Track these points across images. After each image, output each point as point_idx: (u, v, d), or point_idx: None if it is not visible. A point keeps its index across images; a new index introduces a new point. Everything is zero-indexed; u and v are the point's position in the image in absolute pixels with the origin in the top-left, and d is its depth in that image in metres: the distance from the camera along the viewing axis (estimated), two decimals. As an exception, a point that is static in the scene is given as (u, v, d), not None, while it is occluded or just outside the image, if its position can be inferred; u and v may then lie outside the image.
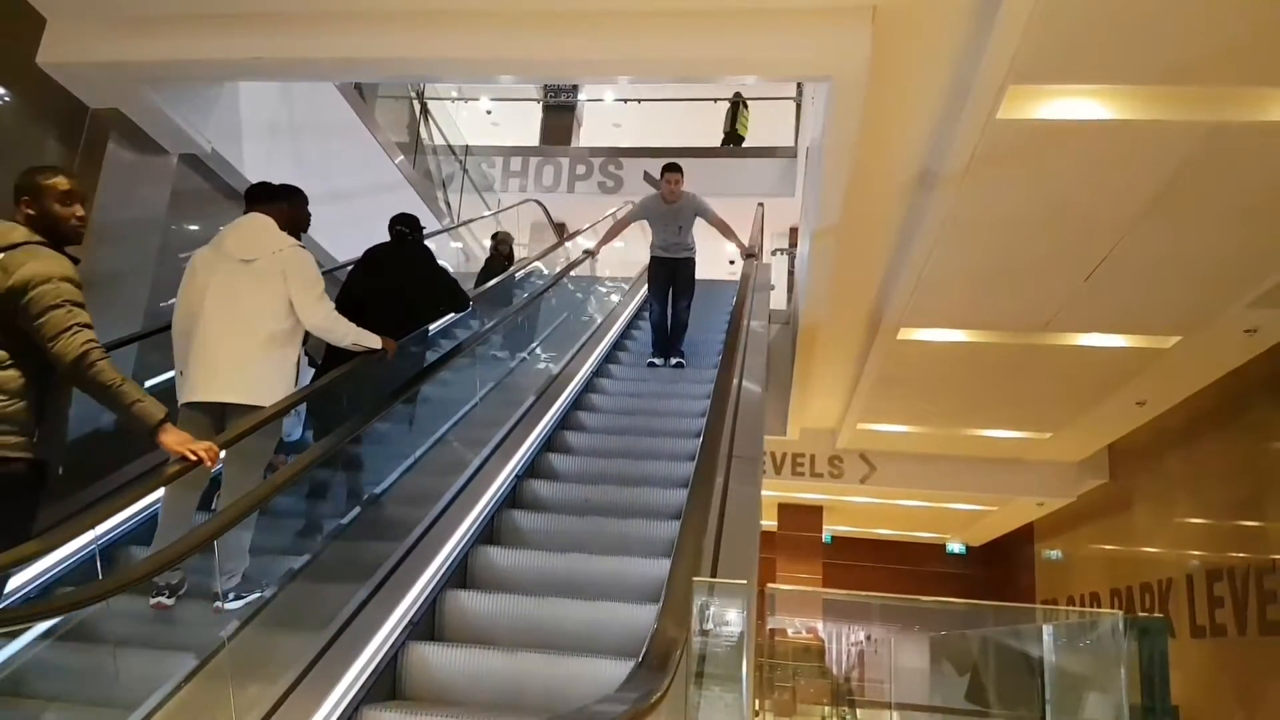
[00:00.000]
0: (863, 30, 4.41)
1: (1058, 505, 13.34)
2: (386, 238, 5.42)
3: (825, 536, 16.13)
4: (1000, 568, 17.45)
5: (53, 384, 3.07)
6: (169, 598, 3.51)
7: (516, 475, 5.30)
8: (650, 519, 4.80)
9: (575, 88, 16.15)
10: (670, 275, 7.99)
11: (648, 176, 13.47)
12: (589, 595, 4.05)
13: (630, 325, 9.42)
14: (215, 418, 3.76)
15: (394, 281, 5.13)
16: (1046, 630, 7.90)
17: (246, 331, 3.86)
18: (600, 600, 3.99)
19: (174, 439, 3.14)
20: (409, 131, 11.50)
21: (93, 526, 3.03)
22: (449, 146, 12.63)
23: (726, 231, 7.88)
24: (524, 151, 15.16)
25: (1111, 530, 11.95)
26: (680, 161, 8.02)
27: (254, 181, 4.53)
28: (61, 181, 3.15)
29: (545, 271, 9.64)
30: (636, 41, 4.75)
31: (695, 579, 2.64)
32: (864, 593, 13.89)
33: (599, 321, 9.03)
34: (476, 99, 16.39)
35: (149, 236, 5.86)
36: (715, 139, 14.59)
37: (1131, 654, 6.57)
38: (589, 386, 7.25)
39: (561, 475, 5.58)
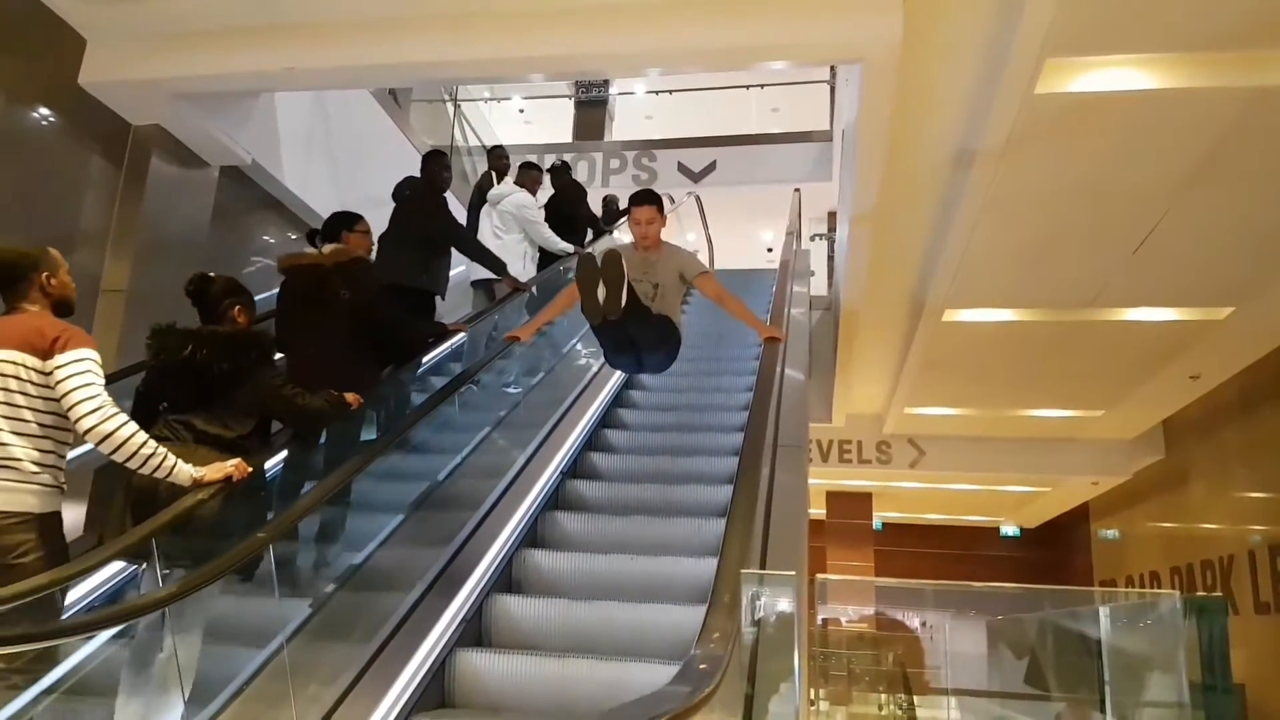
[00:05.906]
0: (894, 10, 4.36)
1: (1113, 484, 13.10)
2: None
3: (876, 523, 16.01)
4: (1056, 549, 17.19)
5: None
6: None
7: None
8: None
9: (606, 83, 16.14)
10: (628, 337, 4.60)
11: (682, 167, 13.42)
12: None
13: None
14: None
15: (570, 212, 8.90)
16: (1103, 612, 7.80)
17: (500, 236, 7.58)
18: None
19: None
20: (444, 134, 11.58)
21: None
22: (483, 146, 12.69)
23: (732, 306, 4.87)
24: (557, 148, 15.17)
25: (1169, 507, 11.72)
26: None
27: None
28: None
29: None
30: (666, 33, 4.75)
31: (744, 571, 2.62)
32: (915, 580, 13.72)
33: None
34: (509, 98, 16.45)
35: (194, 249, 5.98)
36: (748, 126, 14.49)
37: (1191, 633, 6.47)
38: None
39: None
